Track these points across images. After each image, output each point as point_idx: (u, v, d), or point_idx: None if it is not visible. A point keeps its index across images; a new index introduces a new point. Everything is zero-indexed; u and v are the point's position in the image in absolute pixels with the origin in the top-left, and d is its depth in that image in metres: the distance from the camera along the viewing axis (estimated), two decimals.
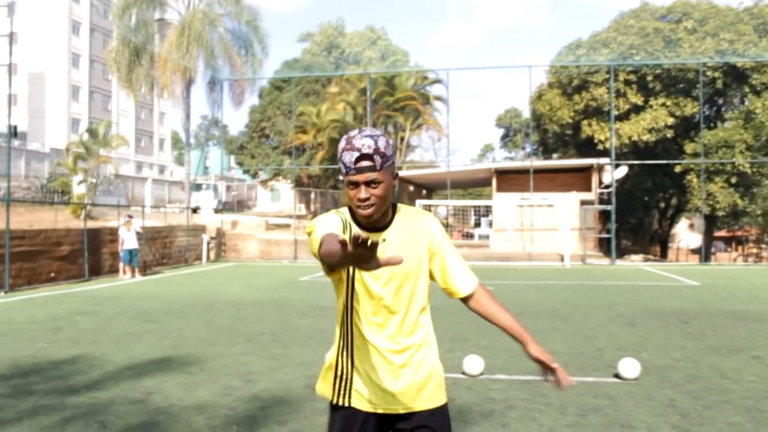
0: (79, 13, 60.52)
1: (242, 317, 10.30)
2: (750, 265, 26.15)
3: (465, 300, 2.37)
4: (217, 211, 30.91)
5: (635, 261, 26.64)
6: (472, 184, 42.52)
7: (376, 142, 2.09)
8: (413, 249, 2.25)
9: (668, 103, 26.79)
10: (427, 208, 27.74)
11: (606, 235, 25.57)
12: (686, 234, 48.31)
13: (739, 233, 43.09)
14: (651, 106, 26.99)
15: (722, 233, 40.21)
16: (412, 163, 39.18)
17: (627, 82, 26.99)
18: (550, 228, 24.51)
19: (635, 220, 36.37)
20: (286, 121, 36.69)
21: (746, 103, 26.78)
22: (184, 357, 7.24)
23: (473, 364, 6.34)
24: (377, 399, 2.23)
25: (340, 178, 28.32)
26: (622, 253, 26.68)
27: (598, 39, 30.33)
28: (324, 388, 2.33)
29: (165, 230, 21.04)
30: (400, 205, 2.31)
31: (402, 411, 2.23)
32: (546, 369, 2.30)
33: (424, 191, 38.01)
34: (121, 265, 17.45)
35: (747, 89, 26.42)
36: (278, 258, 24.59)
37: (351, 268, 2.17)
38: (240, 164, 39.98)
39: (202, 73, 27.11)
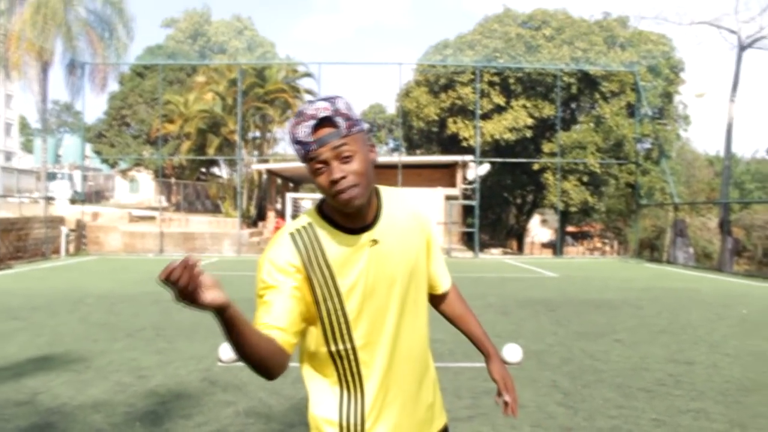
0: None
1: (117, 312, 9.91)
2: (597, 258, 28.29)
3: (438, 299, 2.05)
4: (73, 201, 29.22)
5: (495, 254, 28.01)
6: None
7: (333, 104, 1.62)
8: (411, 247, 1.80)
9: (528, 104, 28.34)
10: (296, 201, 27.70)
11: (469, 230, 26.73)
12: (538, 229, 51.31)
13: (585, 228, 46.45)
14: (512, 107, 28.44)
15: (570, 228, 43.14)
16: (277, 155, 38.83)
17: (491, 83, 28.26)
18: None
19: (494, 216, 38.16)
20: (148, 110, 35.26)
21: (597, 108, 28.85)
22: (65, 354, 6.91)
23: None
24: None
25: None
26: (482, 247, 27.95)
27: (464, 41, 31.49)
28: None
29: (20, 222, 19.66)
30: (380, 189, 1.81)
31: None
32: (501, 391, 2.00)
33: (291, 184, 37.84)
34: None
35: (597, 95, 28.49)
36: (143, 251, 23.66)
37: (327, 296, 1.68)
38: (98, 153, 37.97)
39: (60, 55, 25.48)
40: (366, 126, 1.72)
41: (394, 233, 1.75)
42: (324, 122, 1.59)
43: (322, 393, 1.76)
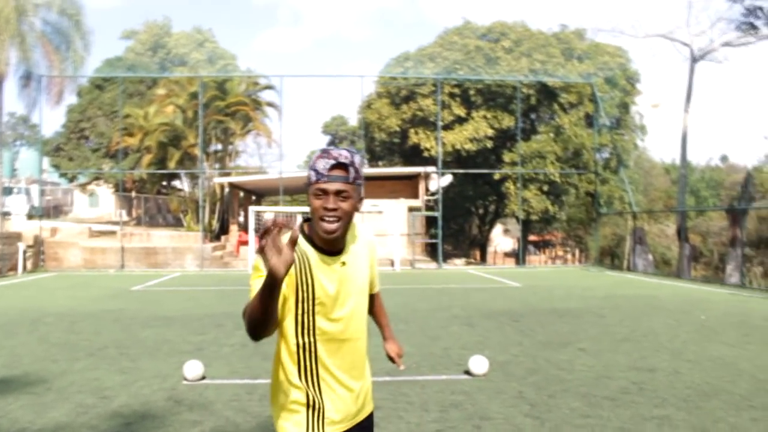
0: None
1: (78, 330, 9.71)
2: (559, 267, 28.60)
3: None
4: (30, 217, 28.60)
5: (459, 265, 28.16)
6: (301, 191, 42.64)
7: (353, 156, 2.08)
8: (364, 267, 2.30)
9: (488, 115, 28.63)
10: (259, 214, 27.54)
11: (432, 241, 26.84)
12: (501, 238, 51.74)
13: (547, 237, 47.01)
14: (473, 118, 28.70)
15: (532, 237, 43.58)
16: (239, 168, 38.55)
17: (451, 95, 28.50)
18: (379, 234, 25.20)
19: (457, 226, 38.39)
20: (107, 123, 34.72)
21: (556, 118, 29.28)
22: (24, 376, 6.74)
23: None
24: (346, 419, 2.24)
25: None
26: (445, 258, 28.06)
27: (424, 53, 31.73)
28: (292, 423, 2.18)
29: None
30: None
31: (358, 421, 2.29)
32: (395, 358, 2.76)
33: (254, 197, 37.59)
34: None
35: (556, 106, 28.92)
36: (104, 267, 23.24)
37: (305, 298, 2.12)
38: (56, 167, 37.19)
39: (14, 67, 24.86)
40: (363, 183, 2.19)
41: (356, 258, 2.25)
42: (340, 165, 2.05)
43: (290, 373, 2.17)
